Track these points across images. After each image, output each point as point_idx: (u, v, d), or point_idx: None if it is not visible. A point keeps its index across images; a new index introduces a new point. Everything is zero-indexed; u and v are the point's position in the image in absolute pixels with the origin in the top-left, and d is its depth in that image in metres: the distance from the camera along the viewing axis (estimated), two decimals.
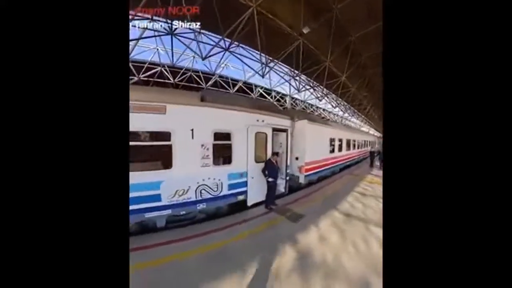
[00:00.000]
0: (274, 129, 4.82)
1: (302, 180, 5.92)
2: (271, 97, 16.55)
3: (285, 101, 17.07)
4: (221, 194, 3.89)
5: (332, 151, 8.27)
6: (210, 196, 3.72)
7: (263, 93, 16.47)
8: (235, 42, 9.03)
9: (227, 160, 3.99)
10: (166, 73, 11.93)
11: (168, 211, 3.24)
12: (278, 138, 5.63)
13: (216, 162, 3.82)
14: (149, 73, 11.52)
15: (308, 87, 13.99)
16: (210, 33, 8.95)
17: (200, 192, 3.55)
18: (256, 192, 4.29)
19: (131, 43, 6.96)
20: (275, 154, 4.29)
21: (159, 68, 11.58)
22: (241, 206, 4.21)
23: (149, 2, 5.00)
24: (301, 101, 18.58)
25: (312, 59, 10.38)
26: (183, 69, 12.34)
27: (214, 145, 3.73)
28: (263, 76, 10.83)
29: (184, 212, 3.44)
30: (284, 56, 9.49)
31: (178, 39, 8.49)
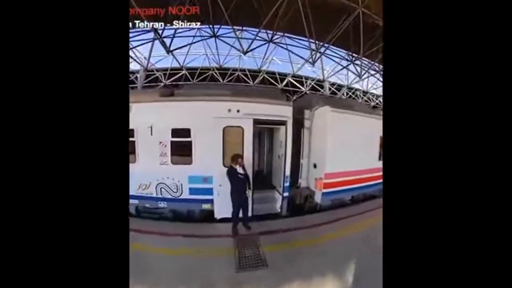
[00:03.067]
0: (259, 122, 3.34)
1: (318, 199, 3.88)
2: (325, 90, 13.26)
3: (343, 94, 13.52)
4: (182, 197, 3.46)
5: None
6: (170, 196, 3.45)
7: (315, 86, 13.67)
8: (279, 32, 7.97)
9: (188, 160, 3.34)
10: (216, 76, 13.08)
11: (136, 201, 3.54)
12: (279, 135, 4.01)
13: (174, 161, 3.36)
14: (201, 77, 13.07)
15: (372, 72, 10.02)
16: (251, 29, 8.42)
17: (160, 190, 3.50)
18: (228, 204, 3.29)
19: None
20: (236, 157, 2.90)
21: (210, 72, 12.86)
22: (208, 216, 3.44)
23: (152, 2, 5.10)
24: (363, 92, 14.60)
25: (375, 34, 7.44)
26: (231, 70, 12.86)
27: (173, 143, 3.37)
28: (313, 64, 8.71)
29: (148, 205, 3.53)
30: (338, 35, 7.04)
31: (222, 41, 8.75)
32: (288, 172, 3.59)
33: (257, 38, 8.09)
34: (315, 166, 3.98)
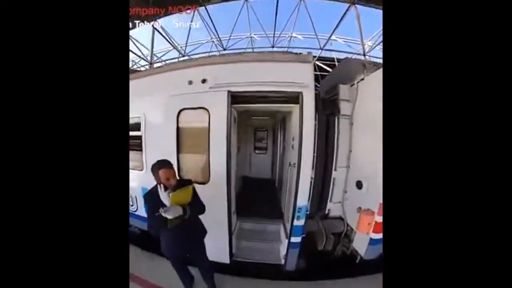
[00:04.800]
0: (241, 99, 1.75)
1: (362, 247, 1.95)
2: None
3: None
4: (138, 213, 2.40)
5: None
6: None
7: None
8: None
9: (139, 163, 2.17)
10: None
11: None
12: (290, 125, 2.31)
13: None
14: None
15: None
16: None
17: None
18: None
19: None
20: (157, 166, 1.27)
21: None
22: None
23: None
24: None
25: None
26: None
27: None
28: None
29: None
30: None
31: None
32: (304, 198, 1.79)
33: None
34: (359, 185, 2.06)
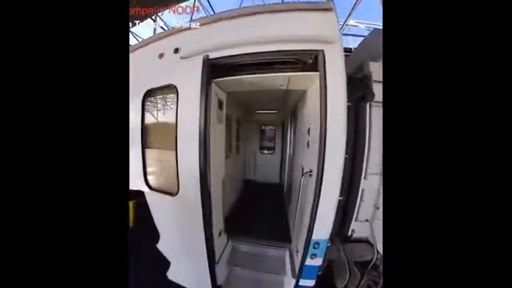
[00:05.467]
0: (224, 68, 1.12)
1: None
2: None
3: None
4: None
5: None
6: None
7: None
8: None
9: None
10: None
11: None
12: (303, 111, 1.69)
13: None
14: None
15: None
16: None
17: None
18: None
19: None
20: None
21: None
22: None
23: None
24: None
25: None
26: None
27: None
28: None
29: None
30: None
31: None
32: (326, 228, 1.10)
33: None
34: None
